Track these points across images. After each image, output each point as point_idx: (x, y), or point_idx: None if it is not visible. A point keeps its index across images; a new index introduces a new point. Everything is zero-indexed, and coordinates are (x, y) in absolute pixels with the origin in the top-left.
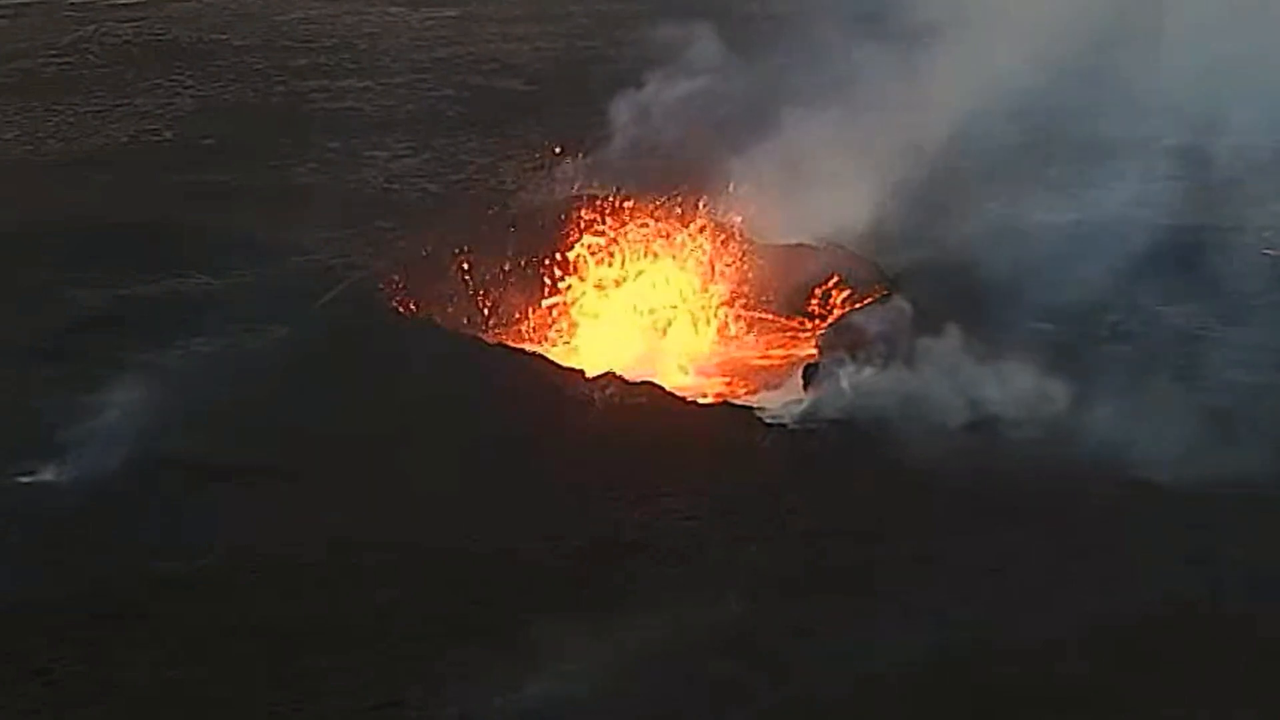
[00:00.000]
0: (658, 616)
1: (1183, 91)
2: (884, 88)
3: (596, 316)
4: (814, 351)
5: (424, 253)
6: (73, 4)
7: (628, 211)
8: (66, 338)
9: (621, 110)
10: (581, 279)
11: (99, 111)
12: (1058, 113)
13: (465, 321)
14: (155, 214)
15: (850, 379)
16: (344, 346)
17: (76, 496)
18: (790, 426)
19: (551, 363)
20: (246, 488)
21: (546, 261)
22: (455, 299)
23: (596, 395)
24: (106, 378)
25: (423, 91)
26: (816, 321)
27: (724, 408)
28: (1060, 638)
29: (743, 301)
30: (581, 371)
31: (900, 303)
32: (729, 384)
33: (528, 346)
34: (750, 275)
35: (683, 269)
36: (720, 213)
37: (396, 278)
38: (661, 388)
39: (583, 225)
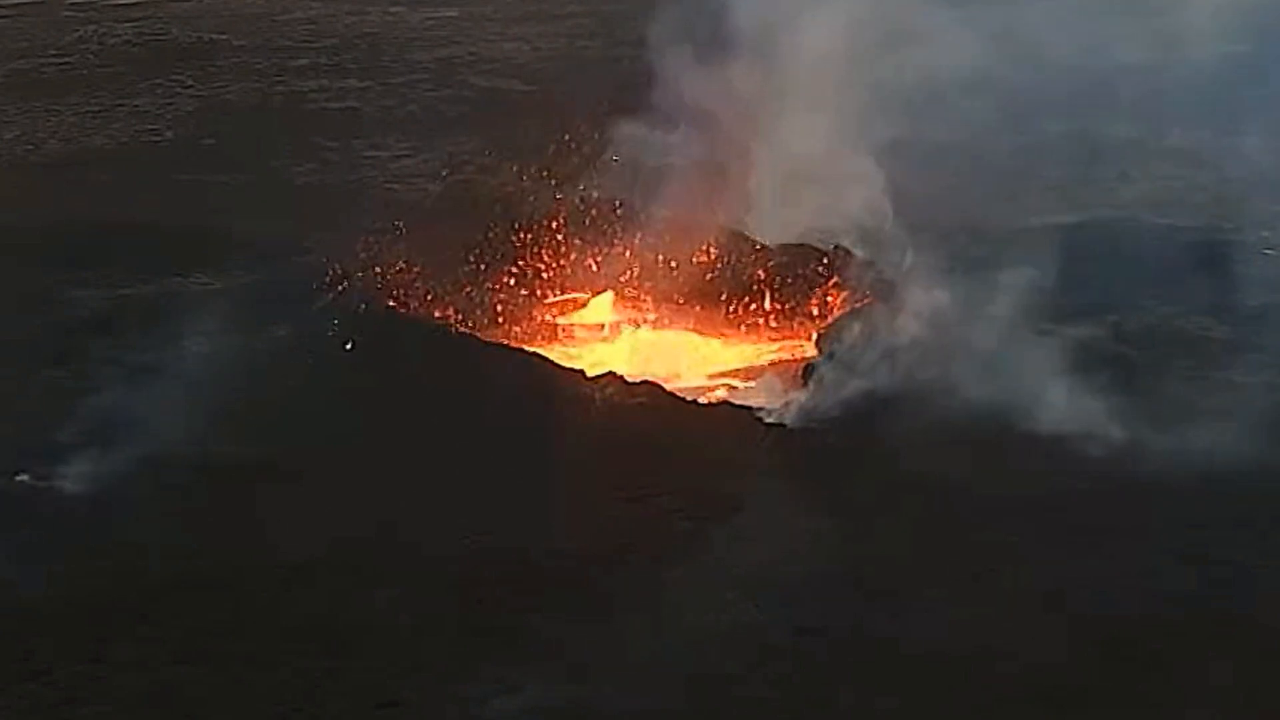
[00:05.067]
0: (658, 617)
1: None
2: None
3: (596, 316)
4: (814, 351)
5: (424, 253)
6: (73, 4)
7: (629, 212)
8: (66, 338)
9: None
10: (582, 279)
11: (99, 111)
12: (1057, 113)
13: (465, 321)
14: (155, 214)
15: (849, 379)
16: (344, 346)
17: (76, 496)
18: (790, 426)
19: (551, 363)
20: (247, 487)
21: (547, 262)
22: (455, 299)
23: (596, 395)
24: (106, 378)
25: (423, 91)
26: (816, 321)
27: (724, 408)
28: (1060, 638)
29: (743, 301)
30: (581, 371)
31: (899, 302)
32: (729, 384)
33: (528, 346)
34: (750, 275)
35: (683, 269)
36: (722, 213)
37: (396, 278)
38: (661, 388)
39: (584, 226)
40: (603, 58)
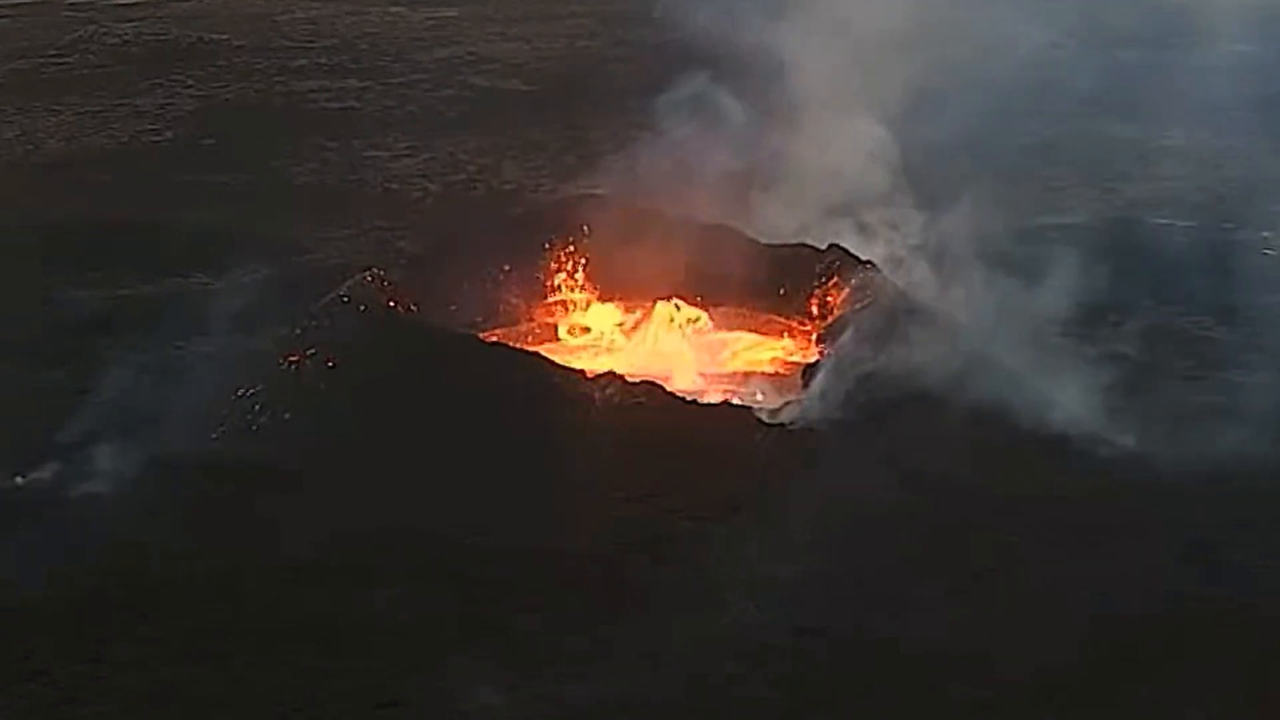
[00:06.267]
0: (658, 616)
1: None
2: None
3: (596, 317)
4: (814, 352)
5: (424, 253)
6: (73, 4)
7: (629, 211)
8: (66, 338)
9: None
10: (582, 279)
11: (99, 111)
12: (1059, 112)
13: (465, 321)
14: (155, 214)
15: (850, 379)
16: (344, 346)
17: (77, 497)
18: (790, 426)
19: (551, 363)
20: (247, 488)
21: (547, 261)
22: (455, 299)
23: (596, 395)
24: (107, 378)
25: (423, 91)
26: (816, 321)
27: (724, 408)
28: (1060, 638)
29: (743, 302)
30: (582, 371)
31: (900, 302)
32: (730, 384)
33: (528, 346)
34: (751, 275)
35: (683, 269)
36: (722, 212)
37: (396, 278)
38: (661, 388)
39: (584, 225)
40: (604, 57)
